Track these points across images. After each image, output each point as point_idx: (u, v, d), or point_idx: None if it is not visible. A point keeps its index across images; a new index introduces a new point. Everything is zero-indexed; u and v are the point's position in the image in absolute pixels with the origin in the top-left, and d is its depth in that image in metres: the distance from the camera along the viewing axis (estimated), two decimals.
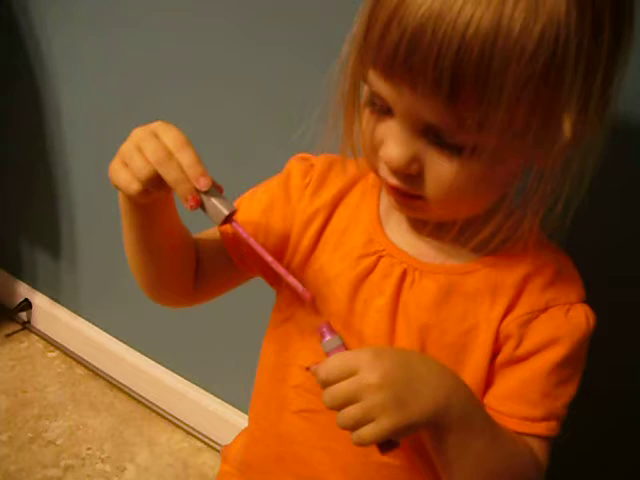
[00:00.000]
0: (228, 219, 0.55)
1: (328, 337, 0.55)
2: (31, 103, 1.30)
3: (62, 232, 1.41)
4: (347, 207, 0.67)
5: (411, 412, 0.52)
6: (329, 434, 0.66)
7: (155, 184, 0.55)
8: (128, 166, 0.56)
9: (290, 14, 0.91)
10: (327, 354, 0.55)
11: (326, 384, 0.53)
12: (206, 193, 0.54)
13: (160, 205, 0.60)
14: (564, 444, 0.63)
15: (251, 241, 0.57)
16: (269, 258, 0.57)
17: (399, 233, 0.64)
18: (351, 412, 0.52)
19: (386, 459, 0.63)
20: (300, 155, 0.71)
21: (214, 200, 0.55)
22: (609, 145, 0.53)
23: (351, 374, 0.52)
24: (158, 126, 0.56)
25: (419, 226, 0.63)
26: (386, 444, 0.53)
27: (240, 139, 1.05)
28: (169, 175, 0.54)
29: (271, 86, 0.97)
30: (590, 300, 0.62)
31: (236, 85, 1.01)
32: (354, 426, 0.52)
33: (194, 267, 0.69)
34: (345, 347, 0.55)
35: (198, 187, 0.54)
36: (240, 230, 0.57)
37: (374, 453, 0.64)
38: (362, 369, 0.52)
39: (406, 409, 0.52)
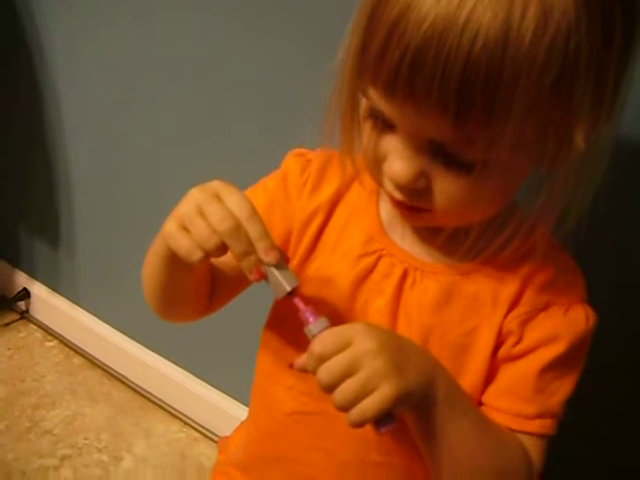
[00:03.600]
0: (290, 294, 0.54)
1: (313, 321, 0.53)
2: (30, 92, 1.29)
3: (61, 222, 1.41)
4: (346, 205, 0.66)
5: (409, 379, 0.51)
6: (324, 435, 0.65)
7: (219, 253, 0.53)
8: (190, 232, 0.53)
9: (294, 10, 0.91)
10: (314, 337, 0.52)
11: (322, 359, 0.50)
12: (271, 264, 0.53)
13: None
14: (565, 443, 0.62)
15: (309, 316, 0.53)
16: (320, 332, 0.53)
17: (403, 238, 0.63)
18: (351, 384, 0.49)
19: (382, 459, 0.64)
20: (296, 150, 0.69)
21: (278, 274, 0.53)
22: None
23: (347, 345, 0.50)
24: (219, 187, 0.53)
25: (429, 239, 0.61)
26: (385, 420, 0.50)
27: (243, 135, 1.04)
28: (237, 248, 0.52)
29: (274, 82, 0.97)
30: (593, 299, 0.61)
31: (239, 81, 1.01)
32: (355, 400, 0.49)
33: (209, 291, 0.68)
34: (332, 327, 0.53)
35: (267, 261, 0.52)
36: (301, 307, 0.54)
37: (371, 452, 0.64)
38: (357, 338, 0.50)
39: (404, 375, 0.51)
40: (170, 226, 0.54)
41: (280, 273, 0.53)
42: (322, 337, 0.51)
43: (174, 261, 0.57)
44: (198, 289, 0.66)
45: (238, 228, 0.51)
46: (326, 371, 0.50)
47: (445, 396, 0.54)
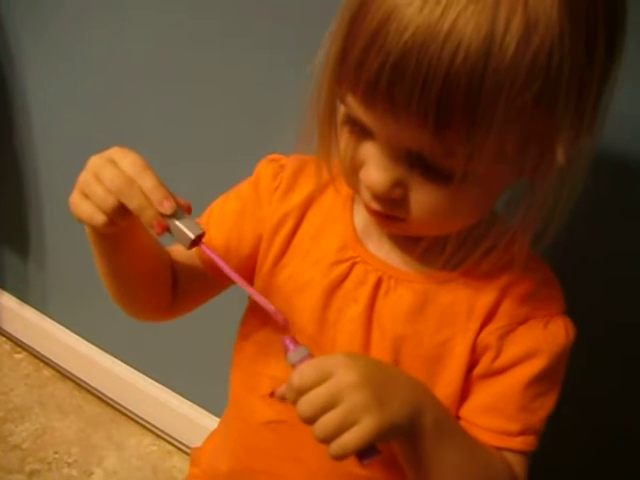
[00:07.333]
0: (196, 242, 0.54)
1: (292, 349, 0.52)
2: None
3: (30, 232, 1.39)
4: (319, 211, 0.65)
5: (392, 411, 0.50)
6: (299, 445, 0.65)
7: (120, 213, 0.53)
8: (89, 197, 0.54)
9: (274, 13, 0.90)
10: (294, 366, 0.52)
11: (301, 392, 0.49)
12: (172, 216, 0.53)
13: (128, 232, 0.58)
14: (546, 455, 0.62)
15: (221, 264, 0.55)
16: (243, 283, 0.55)
17: (379, 246, 0.63)
18: (331, 418, 0.48)
19: (359, 470, 0.62)
20: (270, 156, 0.69)
21: (180, 224, 0.53)
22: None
23: (327, 377, 0.49)
24: (114, 152, 0.54)
25: (407, 247, 0.61)
26: (368, 452, 0.50)
27: (219, 142, 1.03)
28: (132, 203, 0.52)
29: (251, 87, 0.96)
30: (570, 311, 0.61)
31: (215, 88, 1.00)
32: (335, 433, 0.48)
33: (170, 285, 0.67)
34: (312, 357, 0.52)
35: (162, 211, 0.52)
36: (208, 252, 0.55)
37: (346, 464, 0.63)
38: (338, 371, 0.49)
39: (387, 408, 0.50)
40: (73, 196, 0.55)
41: (182, 223, 0.53)
42: (302, 369, 0.51)
43: (98, 237, 0.59)
44: (153, 280, 0.65)
45: (130, 184, 0.52)
46: (306, 404, 0.49)
47: (432, 424, 0.53)
